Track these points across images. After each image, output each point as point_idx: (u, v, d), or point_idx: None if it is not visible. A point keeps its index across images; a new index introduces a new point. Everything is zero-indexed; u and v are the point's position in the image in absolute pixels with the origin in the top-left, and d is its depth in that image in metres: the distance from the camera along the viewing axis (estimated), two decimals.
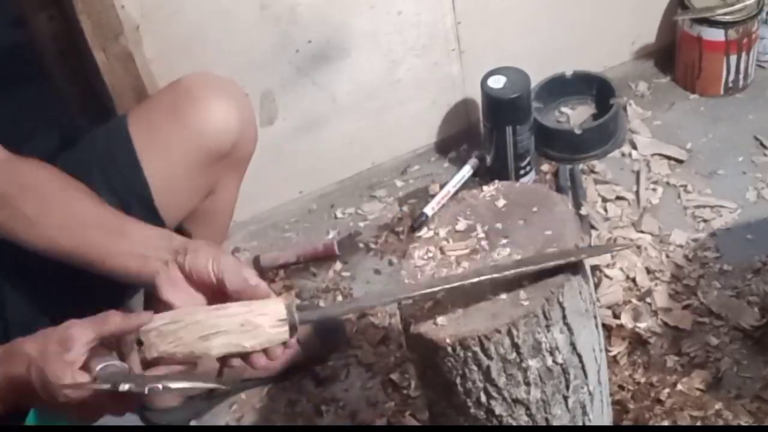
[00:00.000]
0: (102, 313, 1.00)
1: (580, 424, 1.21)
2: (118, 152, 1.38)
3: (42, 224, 1.20)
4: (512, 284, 1.09)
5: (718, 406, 1.59)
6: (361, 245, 2.03)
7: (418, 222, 2.00)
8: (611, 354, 1.68)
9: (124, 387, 0.94)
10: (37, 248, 1.21)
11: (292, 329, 1.02)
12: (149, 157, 1.37)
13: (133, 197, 1.37)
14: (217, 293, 1.06)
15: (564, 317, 1.09)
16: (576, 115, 2.19)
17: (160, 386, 0.96)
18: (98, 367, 0.97)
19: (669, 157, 2.06)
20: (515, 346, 1.07)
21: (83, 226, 1.19)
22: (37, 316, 1.34)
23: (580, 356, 1.14)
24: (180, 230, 1.50)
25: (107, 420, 1.08)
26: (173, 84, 1.43)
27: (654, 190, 1.99)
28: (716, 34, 2.08)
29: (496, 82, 1.94)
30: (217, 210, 1.56)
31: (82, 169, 1.33)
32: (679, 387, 1.62)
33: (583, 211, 1.94)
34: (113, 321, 0.99)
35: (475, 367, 1.09)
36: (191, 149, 1.38)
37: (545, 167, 2.11)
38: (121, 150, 1.37)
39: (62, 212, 1.20)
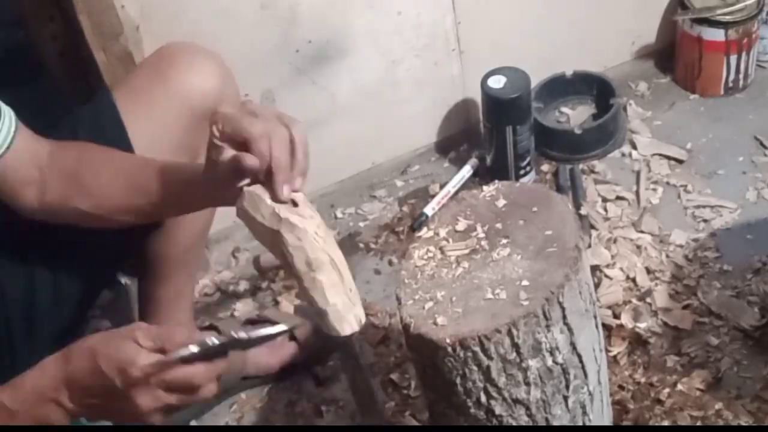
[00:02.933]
0: (169, 327, 1.02)
1: (580, 424, 1.21)
2: (104, 119, 1.39)
3: (99, 189, 1.23)
4: None
5: (718, 406, 1.59)
6: (361, 245, 2.03)
7: (418, 222, 2.00)
8: (611, 354, 1.68)
9: (213, 340, 0.92)
10: (98, 215, 1.24)
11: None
12: (133, 119, 1.38)
13: None
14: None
15: (564, 317, 1.10)
16: (576, 115, 2.19)
17: (245, 335, 0.95)
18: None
19: (669, 157, 2.05)
20: (515, 346, 1.07)
21: (132, 175, 1.22)
22: (37, 297, 1.36)
23: (580, 356, 1.14)
24: None
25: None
26: (155, 51, 1.46)
27: (654, 190, 1.99)
28: (716, 34, 2.08)
29: (496, 82, 1.94)
30: None
31: (70, 138, 1.35)
32: (679, 387, 1.62)
33: (583, 211, 1.94)
34: (177, 337, 0.97)
35: (475, 367, 1.09)
36: (173, 107, 1.39)
37: (545, 167, 2.11)
38: (108, 117, 1.38)
39: (110, 172, 1.24)
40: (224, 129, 1.02)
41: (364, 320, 1.05)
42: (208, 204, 1.26)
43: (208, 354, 0.95)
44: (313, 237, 1.01)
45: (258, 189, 1.02)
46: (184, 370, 0.94)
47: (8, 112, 1.22)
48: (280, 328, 1.01)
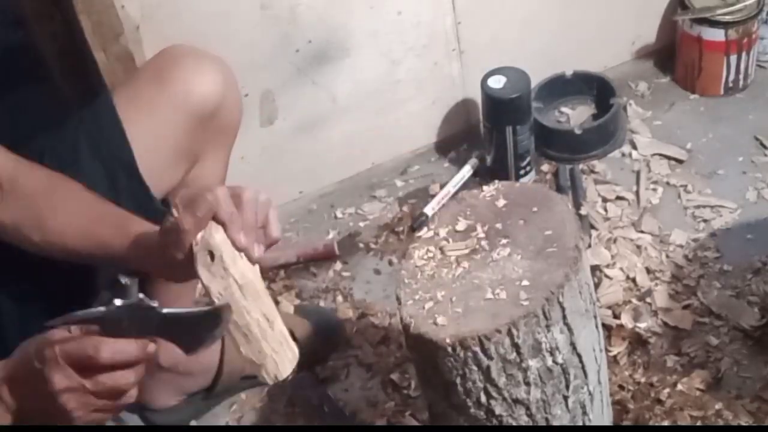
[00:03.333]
0: (79, 336, 0.96)
1: (580, 424, 1.21)
2: (103, 122, 1.38)
3: (53, 225, 1.21)
4: None
5: (718, 406, 1.59)
6: (361, 245, 2.03)
7: (418, 222, 2.00)
8: (611, 354, 1.68)
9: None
10: (46, 249, 1.22)
11: None
12: (133, 121, 1.37)
13: (119, 166, 1.37)
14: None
15: (564, 317, 1.10)
16: (576, 115, 2.19)
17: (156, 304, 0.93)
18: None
19: (669, 157, 2.05)
20: (515, 346, 1.07)
21: (90, 223, 1.20)
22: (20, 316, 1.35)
23: (580, 356, 1.14)
24: (167, 205, 1.49)
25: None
26: (157, 54, 1.46)
27: (654, 190, 1.99)
28: (716, 34, 2.08)
29: (496, 82, 1.94)
30: (204, 182, 1.55)
31: (69, 142, 1.35)
32: (679, 387, 1.62)
33: (583, 211, 1.94)
34: (79, 343, 0.94)
35: (475, 367, 1.09)
36: (174, 111, 1.39)
37: (545, 167, 2.11)
38: (107, 119, 1.38)
39: (69, 212, 1.21)
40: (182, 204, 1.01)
41: (297, 358, 1.05)
42: (160, 275, 1.19)
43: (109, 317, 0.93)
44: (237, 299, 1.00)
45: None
46: (86, 342, 0.93)
47: None
48: (202, 309, 0.99)
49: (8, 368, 0.99)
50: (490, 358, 1.07)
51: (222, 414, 1.78)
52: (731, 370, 1.64)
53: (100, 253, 1.18)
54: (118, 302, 0.94)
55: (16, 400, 0.98)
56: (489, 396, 1.12)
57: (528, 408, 1.14)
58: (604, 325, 1.62)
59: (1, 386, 0.98)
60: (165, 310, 0.96)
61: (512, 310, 1.07)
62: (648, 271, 1.83)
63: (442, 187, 2.08)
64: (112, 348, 0.93)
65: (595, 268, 1.81)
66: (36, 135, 1.35)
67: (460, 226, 1.21)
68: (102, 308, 0.94)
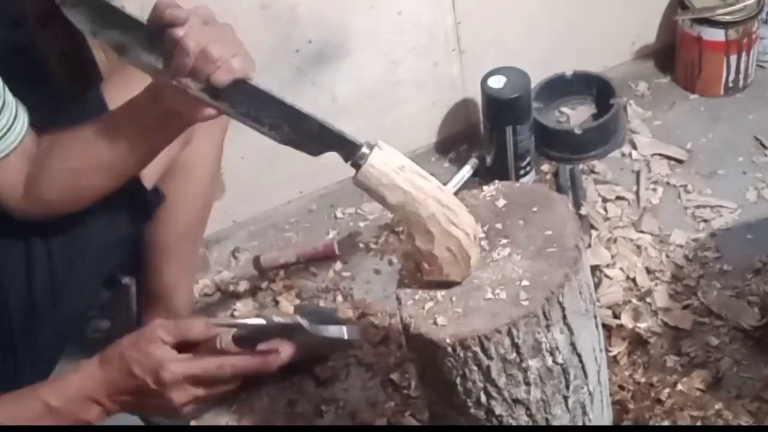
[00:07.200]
0: (187, 320, 1.10)
1: (580, 424, 1.21)
2: (91, 110, 1.39)
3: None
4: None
5: (718, 406, 1.59)
6: (361, 245, 2.03)
7: None
8: (611, 354, 1.68)
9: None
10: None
11: None
12: (118, 101, 1.38)
13: None
14: None
15: (564, 317, 1.10)
16: (576, 115, 2.19)
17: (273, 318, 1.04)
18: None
19: (669, 157, 2.05)
20: (515, 346, 1.07)
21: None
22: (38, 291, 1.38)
23: (580, 356, 1.14)
24: (157, 192, 1.49)
25: (107, 420, 1.09)
26: None
27: (654, 190, 1.99)
28: (716, 34, 2.08)
29: (496, 82, 1.94)
30: (195, 163, 1.55)
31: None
32: (679, 387, 1.62)
33: (583, 211, 1.94)
34: (196, 329, 1.08)
35: (475, 367, 1.09)
36: None
37: (545, 167, 2.11)
38: (95, 113, 1.38)
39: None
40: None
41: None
42: (172, 122, 1.21)
43: (246, 335, 1.04)
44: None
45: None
46: (211, 363, 1.06)
47: (23, 116, 1.25)
48: (338, 332, 1.11)
49: (106, 376, 1.07)
50: (490, 358, 1.07)
51: (222, 414, 1.78)
52: (731, 370, 1.64)
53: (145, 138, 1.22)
54: (277, 319, 1.05)
55: (114, 404, 1.09)
56: (489, 396, 1.12)
57: (528, 408, 1.14)
58: (604, 325, 1.62)
59: (100, 390, 1.07)
60: (310, 329, 1.07)
61: (512, 310, 1.07)
62: (648, 271, 1.83)
63: None
64: (234, 367, 1.07)
65: (595, 268, 1.81)
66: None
67: None
68: (263, 321, 1.05)
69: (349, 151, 1.07)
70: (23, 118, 1.25)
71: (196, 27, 1.03)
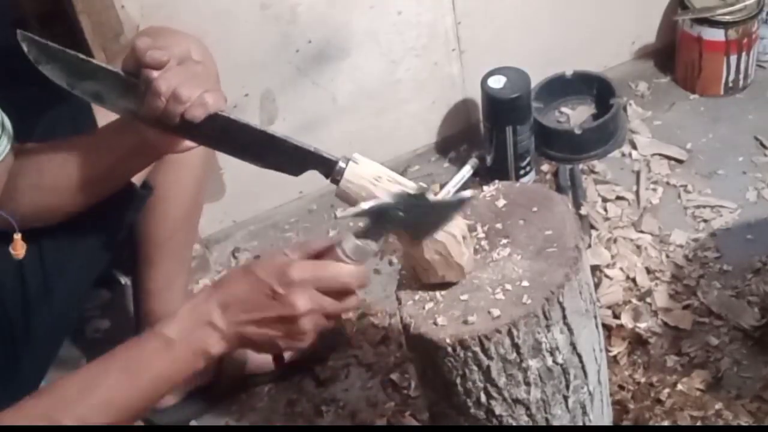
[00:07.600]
0: (308, 239, 1.08)
1: (580, 424, 1.21)
2: (78, 115, 1.40)
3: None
4: None
5: (718, 406, 1.59)
6: None
7: None
8: (611, 354, 1.68)
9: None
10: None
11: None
12: None
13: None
14: None
15: (564, 317, 1.10)
16: (576, 115, 2.19)
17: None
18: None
19: (669, 157, 2.06)
20: (515, 346, 1.07)
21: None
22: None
23: (580, 356, 1.14)
24: (147, 187, 1.49)
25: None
26: (135, 35, 1.50)
27: (654, 190, 1.99)
28: (716, 34, 2.08)
29: (496, 82, 1.94)
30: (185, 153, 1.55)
31: (48, 130, 1.36)
32: (679, 387, 1.62)
33: (583, 211, 1.94)
34: (317, 242, 1.06)
35: (475, 367, 1.09)
36: None
37: (545, 167, 2.11)
38: (82, 112, 1.40)
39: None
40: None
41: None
42: (145, 149, 1.23)
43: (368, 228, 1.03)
44: None
45: None
46: (337, 267, 1.02)
47: (9, 129, 1.24)
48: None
49: (222, 294, 1.02)
50: (490, 358, 1.07)
51: (222, 414, 1.78)
52: (731, 370, 1.65)
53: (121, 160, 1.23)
54: (400, 188, 1.04)
55: (231, 326, 1.02)
56: (489, 396, 1.12)
57: (528, 408, 1.14)
58: (604, 325, 1.62)
59: (214, 311, 1.01)
60: (432, 198, 1.04)
61: (512, 310, 1.07)
62: (648, 271, 1.83)
63: (442, 187, 2.08)
64: (358, 275, 1.03)
65: (595, 268, 1.81)
66: (36, 135, 1.35)
67: None
68: (389, 200, 1.03)
69: (327, 167, 1.10)
70: (9, 132, 1.24)
71: (170, 69, 1.07)
